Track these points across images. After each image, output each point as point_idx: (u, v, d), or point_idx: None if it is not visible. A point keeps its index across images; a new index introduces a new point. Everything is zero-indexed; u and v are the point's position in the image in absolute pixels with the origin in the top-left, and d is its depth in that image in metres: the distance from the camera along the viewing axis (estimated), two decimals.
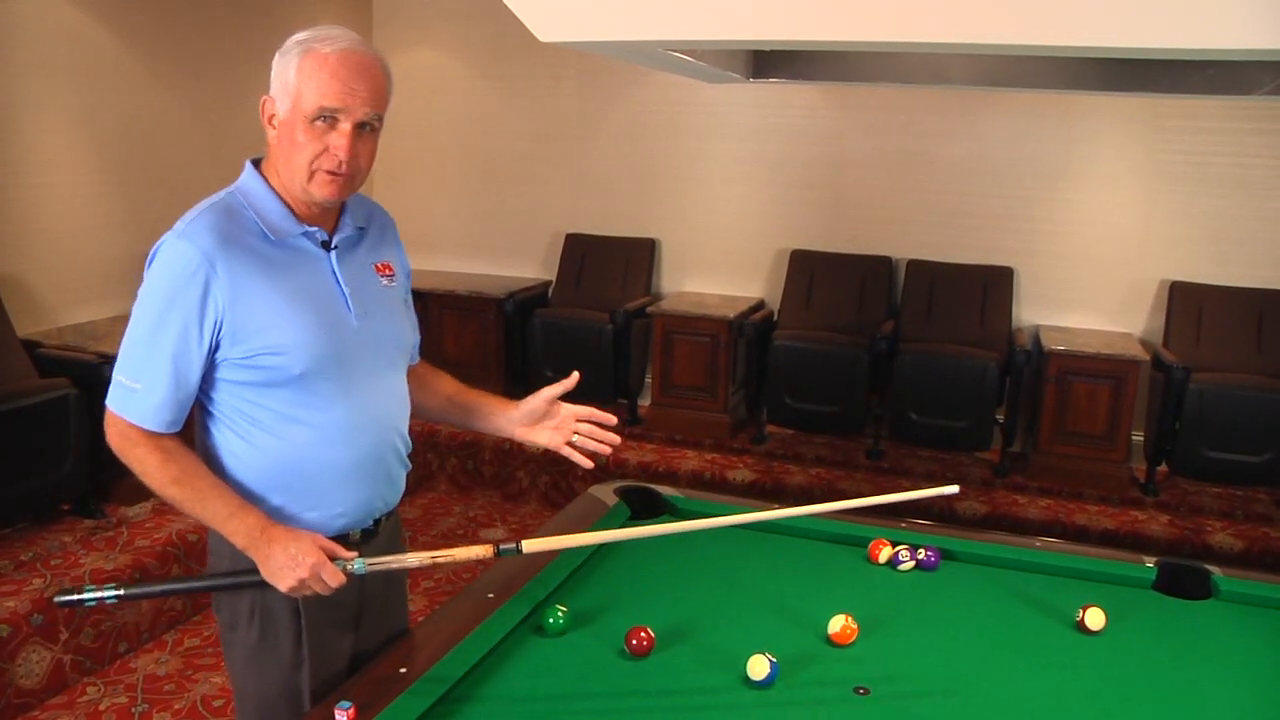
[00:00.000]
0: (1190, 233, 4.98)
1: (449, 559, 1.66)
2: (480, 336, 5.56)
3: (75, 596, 1.59)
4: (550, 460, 4.97)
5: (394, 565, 1.65)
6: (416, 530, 4.63)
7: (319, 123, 1.56)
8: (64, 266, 4.43)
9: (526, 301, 5.55)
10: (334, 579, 1.56)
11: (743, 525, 1.92)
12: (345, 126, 1.56)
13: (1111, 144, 5.05)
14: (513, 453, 5.04)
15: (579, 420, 1.87)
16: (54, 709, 3.14)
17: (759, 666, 1.71)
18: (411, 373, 1.87)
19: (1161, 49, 1.47)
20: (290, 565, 1.54)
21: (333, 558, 1.58)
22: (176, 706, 3.15)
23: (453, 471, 5.16)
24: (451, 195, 6.24)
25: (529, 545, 1.69)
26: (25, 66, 4.20)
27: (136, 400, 1.57)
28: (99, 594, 1.59)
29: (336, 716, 1.50)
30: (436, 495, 5.10)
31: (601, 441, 1.86)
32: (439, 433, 5.10)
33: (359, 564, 1.59)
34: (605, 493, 2.53)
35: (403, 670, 1.67)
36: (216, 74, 5.09)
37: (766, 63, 2.50)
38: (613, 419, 1.87)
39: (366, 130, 1.60)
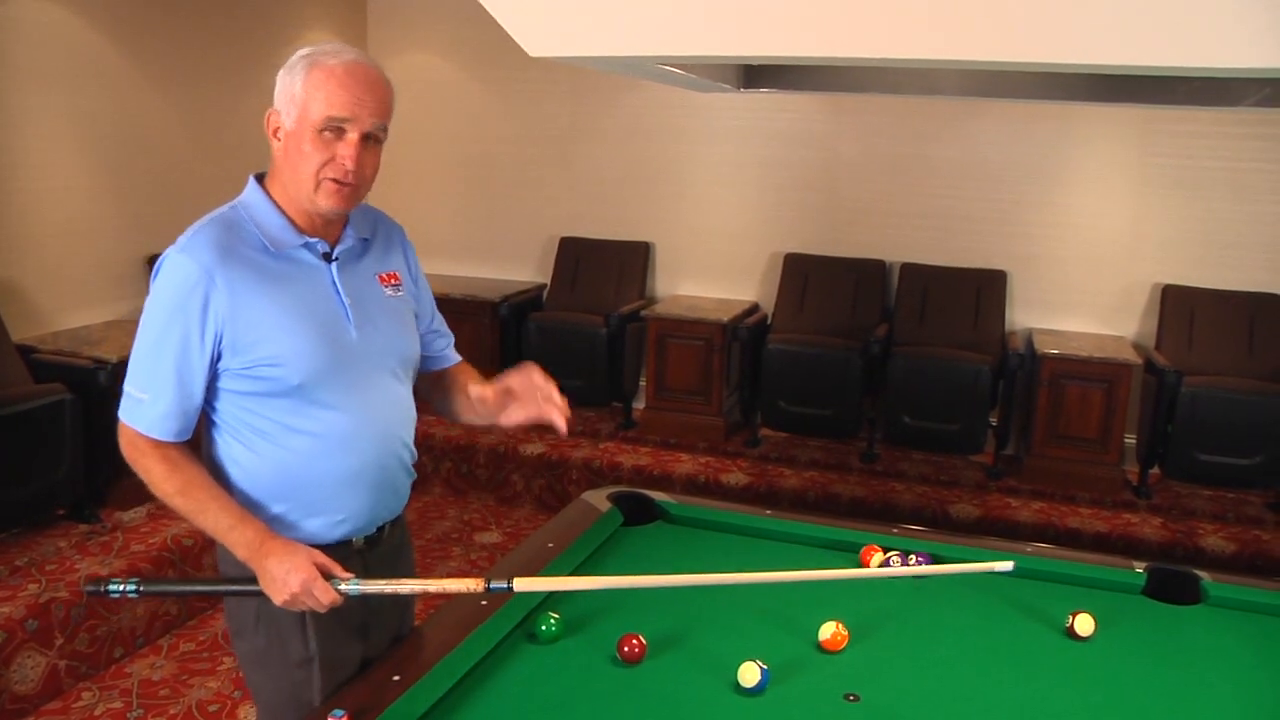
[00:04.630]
0: (1182, 236, 5.00)
1: (440, 589, 1.72)
2: (475, 340, 5.56)
3: (101, 587, 1.65)
4: (544, 464, 4.99)
5: (386, 589, 1.68)
6: (411, 533, 4.62)
7: (326, 133, 1.60)
8: (59, 271, 4.42)
9: (521, 305, 5.56)
10: (325, 596, 1.59)
11: (739, 582, 1.95)
12: (352, 136, 1.61)
13: (1104, 148, 5.07)
14: (507, 456, 5.05)
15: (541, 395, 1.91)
16: (49, 714, 3.14)
17: (750, 674, 1.73)
18: (446, 373, 2.03)
19: (1150, 68, 1.48)
20: (283, 580, 1.58)
21: (328, 576, 1.61)
22: (172, 711, 3.15)
23: (447, 475, 5.17)
24: (446, 199, 6.25)
25: (520, 584, 1.71)
26: (21, 71, 4.20)
27: (144, 410, 1.63)
28: (122, 587, 1.65)
29: None
30: (431, 499, 5.11)
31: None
32: (434, 435, 5.11)
33: (353, 585, 1.62)
34: (598, 498, 2.55)
35: (396, 678, 1.68)
36: (212, 80, 5.09)
37: (757, 74, 2.52)
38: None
39: (371, 142, 1.65)
